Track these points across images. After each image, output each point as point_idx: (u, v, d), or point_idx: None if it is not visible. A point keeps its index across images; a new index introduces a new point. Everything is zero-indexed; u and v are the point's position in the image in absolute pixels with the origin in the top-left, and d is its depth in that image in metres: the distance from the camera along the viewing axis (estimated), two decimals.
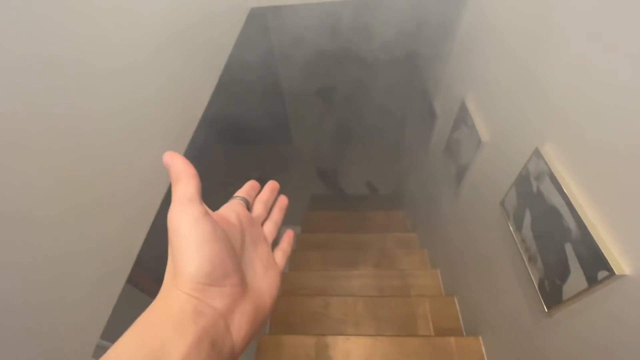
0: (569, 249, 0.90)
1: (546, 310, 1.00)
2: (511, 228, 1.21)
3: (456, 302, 1.88)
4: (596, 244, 0.79)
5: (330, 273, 2.22)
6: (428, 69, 2.50)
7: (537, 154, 1.05)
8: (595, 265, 0.80)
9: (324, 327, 1.79)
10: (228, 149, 4.27)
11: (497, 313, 1.41)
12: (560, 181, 0.94)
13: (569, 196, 0.90)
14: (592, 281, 0.81)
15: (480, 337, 1.56)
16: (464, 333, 1.73)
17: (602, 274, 0.78)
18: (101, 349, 1.80)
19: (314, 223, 3.19)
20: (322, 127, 3.81)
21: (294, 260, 2.48)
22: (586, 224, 0.83)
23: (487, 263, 1.51)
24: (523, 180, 1.13)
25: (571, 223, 0.89)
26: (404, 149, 3.74)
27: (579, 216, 0.85)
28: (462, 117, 1.73)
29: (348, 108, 3.80)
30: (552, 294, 0.97)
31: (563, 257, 0.92)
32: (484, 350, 1.51)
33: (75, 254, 0.68)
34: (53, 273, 0.63)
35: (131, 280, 2.06)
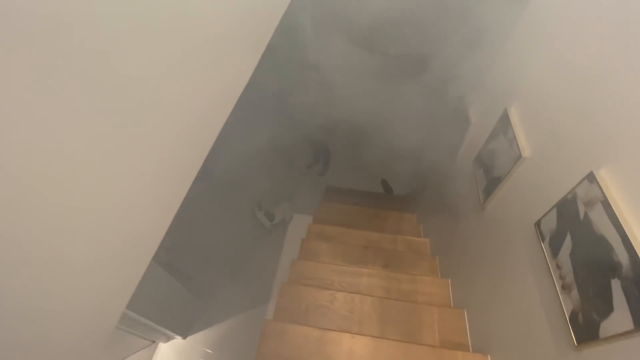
0: (615, 285, 0.83)
1: (576, 344, 0.95)
2: (545, 252, 1.15)
3: (466, 315, 1.83)
4: None
5: (339, 267, 2.19)
6: (468, 73, 2.39)
7: (590, 177, 0.98)
8: None
9: (328, 321, 1.77)
10: None
11: (513, 336, 1.35)
12: (615, 211, 0.87)
13: (624, 228, 0.83)
14: None
15: (488, 356, 1.51)
16: (471, 349, 1.69)
17: None
18: (126, 317, 1.82)
19: (327, 215, 3.15)
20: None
21: (304, 248, 2.46)
22: None
23: (508, 283, 1.45)
24: (568, 204, 1.06)
25: (623, 258, 0.82)
26: (427, 151, 3.64)
27: (634, 251, 0.79)
28: (502, 128, 1.65)
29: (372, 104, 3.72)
30: (586, 329, 0.92)
31: (607, 293, 0.85)
32: None
33: (111, 240, 0.67)
34: (91, 256, 0.63)
35: None
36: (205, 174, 4.12)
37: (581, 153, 1.07)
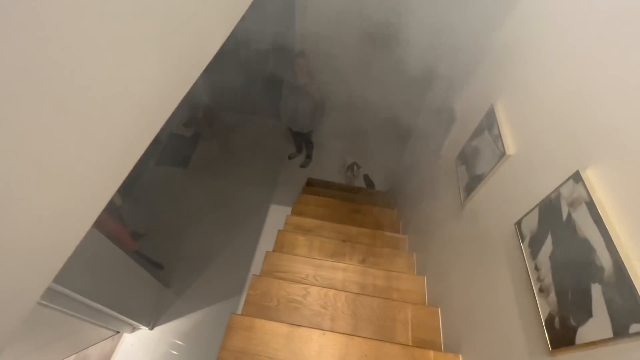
0: (596, 290, 0.79)
1: (550, 349, 0.91)
2: (524, 253, 1.11)
3: (439, 313, 1.80)
4: (636, 291, 0.69)
5: (315, 261, 2.12)
6: (454, 68, 2.34)
7: (576, 177, 0.93)
8: (629, 315, 0.69)
9: (300, 317, 1.70)
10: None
11: (486, 337, 1.32)
12: (600, 213, 0.82)
13: (609, 232, 0.78)
14: (621, 333, 0.71)
15: (460, 356, 1.48)
16: (443, 348, 1.66)
17: (635, 328, 0.68)
18: (52, 291, 1.65)
19: (305, 207, 3.07)
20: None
21: (280, 240, 2.38)
22: (626, 266, 0.72)
23: (483, 282, 1.42)
24: (551, 204, 1.02)
25: (605, 262, 0.78)
26: (409, 147, 3.61)
27: (618, 256, 0.75)
28: (487, 124, 1.60)
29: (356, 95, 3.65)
30: (562, 334, 0.88)
31: (586, 298, 0.81)
32: None
33: (38, 195, 0.55)
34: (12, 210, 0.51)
35: (107, 232, 1.93)
36: (182, 160, 3.95)
37: (568, 151, 1.02)
